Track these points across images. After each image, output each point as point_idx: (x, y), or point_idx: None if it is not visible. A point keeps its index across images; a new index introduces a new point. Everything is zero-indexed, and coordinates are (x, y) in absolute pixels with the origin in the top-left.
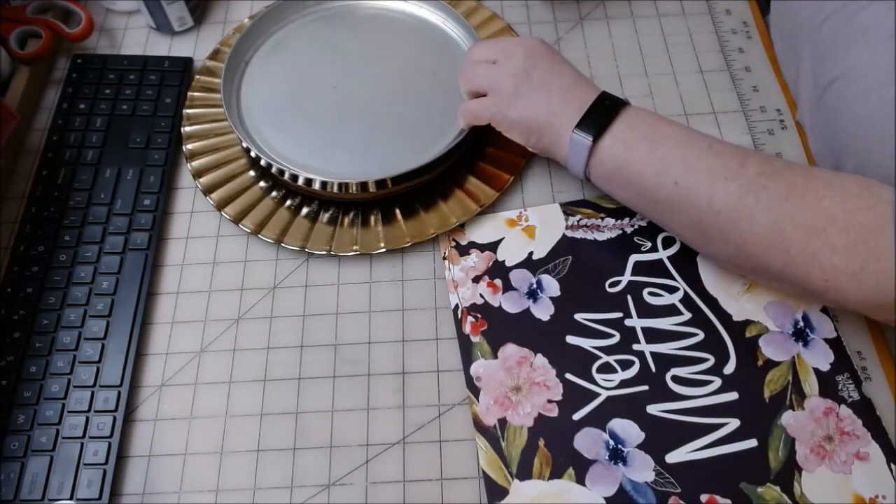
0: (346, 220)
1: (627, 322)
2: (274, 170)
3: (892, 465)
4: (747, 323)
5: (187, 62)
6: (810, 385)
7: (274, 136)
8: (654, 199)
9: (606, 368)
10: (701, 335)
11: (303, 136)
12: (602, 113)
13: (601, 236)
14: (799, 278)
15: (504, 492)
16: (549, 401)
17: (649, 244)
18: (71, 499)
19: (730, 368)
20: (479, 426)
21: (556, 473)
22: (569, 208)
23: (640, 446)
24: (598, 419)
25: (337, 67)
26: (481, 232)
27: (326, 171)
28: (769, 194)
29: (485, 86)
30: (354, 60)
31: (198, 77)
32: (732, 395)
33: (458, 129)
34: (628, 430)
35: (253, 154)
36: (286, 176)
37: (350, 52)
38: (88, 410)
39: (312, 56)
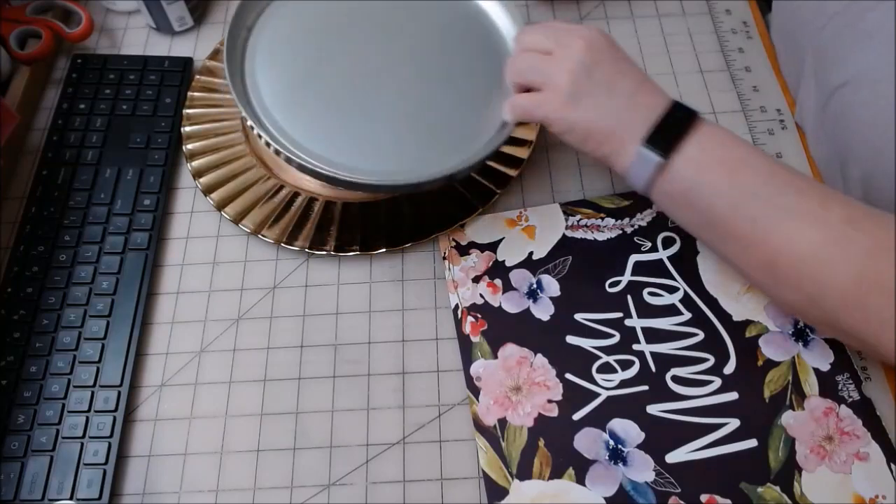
0: (348, 218)
1: (627, 322)
2: (282, 158)
3: (892, 465)
4: (747, 323)
5: (187, 62)
6: (810, 385)
7: (286, 119)
8: (725, 232)
9: (606, 368)
10: (701, 335)
11: (315, 121)
12: (673, 127)
13: (601, 236)
14: (870, 339)
15: (504, 492)
16: (549, 401)
17: (649, 244)
18: (71, 499)
19: (730, 368)
20: (479, 426)
21: (556, 473)
22: (569, 208)
23: (640, 446)
24: (598, 419)
25: (354, 42)
26: (481, 232)
27: (340, 165)
28: (853, 247)
29: (538, 80)
30: (374, 35)
31: (198, 77)
32: (732, 395)
33: (490, 125)
34: (628, 430)
35: (263, 140)
36: (294, 165)
37: (370, 25)
38: (88, 410)
39: (326, 29)
